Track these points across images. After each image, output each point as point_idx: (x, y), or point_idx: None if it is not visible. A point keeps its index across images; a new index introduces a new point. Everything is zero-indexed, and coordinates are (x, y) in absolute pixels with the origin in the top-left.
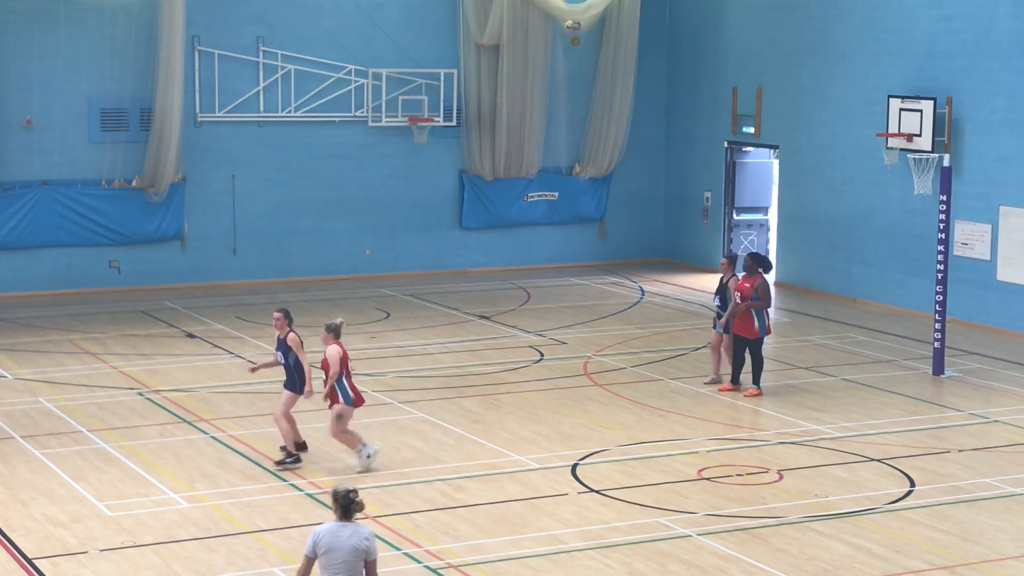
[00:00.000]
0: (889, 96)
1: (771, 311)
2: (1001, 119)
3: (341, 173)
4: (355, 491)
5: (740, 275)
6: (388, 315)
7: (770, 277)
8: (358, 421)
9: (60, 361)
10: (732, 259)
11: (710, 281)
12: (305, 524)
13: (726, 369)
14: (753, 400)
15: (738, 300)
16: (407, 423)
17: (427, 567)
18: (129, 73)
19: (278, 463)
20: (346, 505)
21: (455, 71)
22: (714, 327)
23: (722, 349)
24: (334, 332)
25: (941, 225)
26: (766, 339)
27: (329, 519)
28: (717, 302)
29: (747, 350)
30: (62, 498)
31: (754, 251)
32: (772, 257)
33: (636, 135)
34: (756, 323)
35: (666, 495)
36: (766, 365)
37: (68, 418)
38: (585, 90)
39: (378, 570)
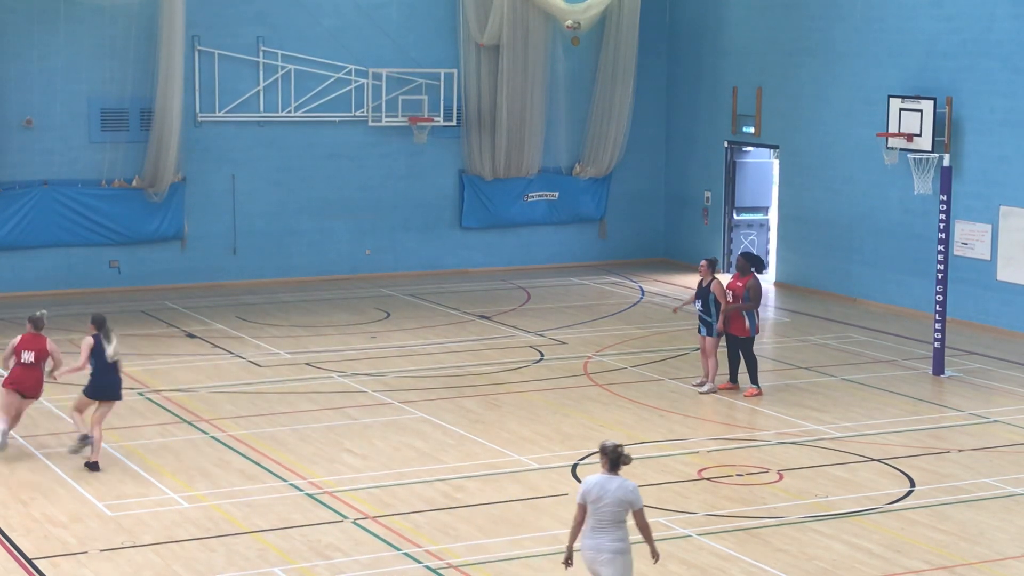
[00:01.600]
0: (889, 96)
1: (765, 309)
2: (1001, 119)
3: (341, 173)
4: (621, 446)
5: (729, 276)
6: (388, 315)
7: (767, 276)
8: (359, 421)
9: None
10: (712, 262)
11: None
12: (305, 524)
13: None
14: (753, 400)
15: (730, 300)
16: (407, 423)
17: (427, 567)
18: (129, 73)
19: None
20: (614, 459)
21: (455, 71)
22: (699, 331)
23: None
24: (32, 323)
25: (941, 225)
26: (761, 337)
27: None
28: (699, 306)
29: (739, 349)
30: (62, 498)
31: (746, 251)
32: (772, 257)
33: (636, 135)
34: (747, 322)
35: (666, 495)
36: (765, 364)
37: (68, 418)
38: (585, 90)
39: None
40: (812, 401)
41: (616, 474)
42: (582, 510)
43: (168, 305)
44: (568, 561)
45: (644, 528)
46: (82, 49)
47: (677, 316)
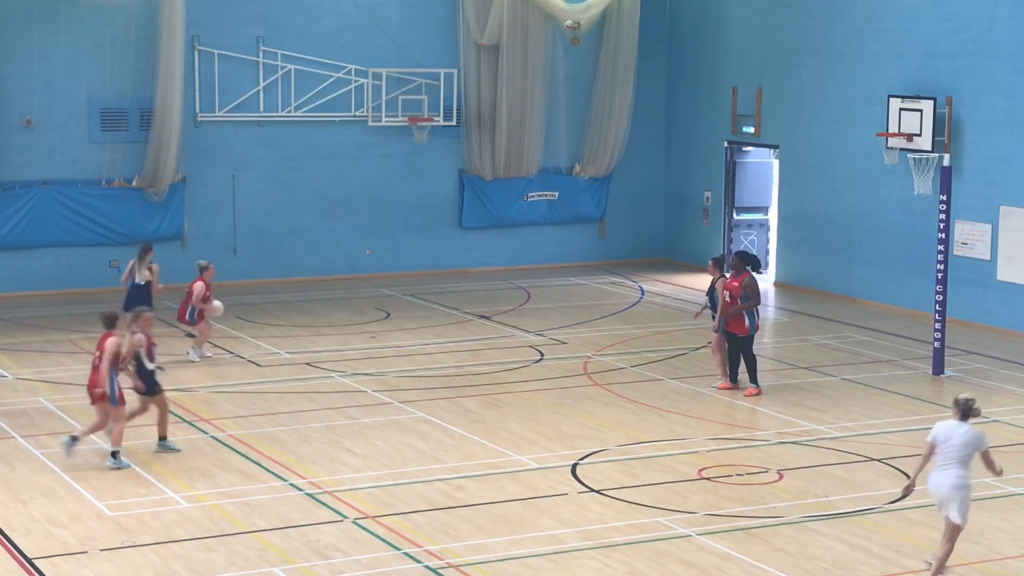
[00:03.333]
0: (889, 96)
1: (765, 309)
2: (1001, 119)
3: (341, 173)
4: (973, 399)
5: (727, 275)
6: (388, 315)
7: (765, 275)
8: (359, 421)
9: (60, 361)
10: (718, 260)
11: (710, 281)
12: (305, 524)
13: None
14: (752, 399)
15: (727, 299)
16: (407, 423)
17: (427, 567)
18: (129, 73)
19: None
20: (965, 410)
21: (455, 71)
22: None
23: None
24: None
25: (941, 225)
26: (761, 337)
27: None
28: (708, 304)
29: (738, 348)
30: (62, 498)
31: (741, 250)
32: (772, 257)
33: (636, 135)
34: (747, 321)
35: (666, 495)
36: (765, 364)
37: (68, 418)
38: (585, 90)
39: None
40: (812, 401)
41: (966, 421)
42: (930, 448)
43: (168, 305)
44: (904, 495)
45: (990, 463)
46: (82, 49)
47: (680, 316)
